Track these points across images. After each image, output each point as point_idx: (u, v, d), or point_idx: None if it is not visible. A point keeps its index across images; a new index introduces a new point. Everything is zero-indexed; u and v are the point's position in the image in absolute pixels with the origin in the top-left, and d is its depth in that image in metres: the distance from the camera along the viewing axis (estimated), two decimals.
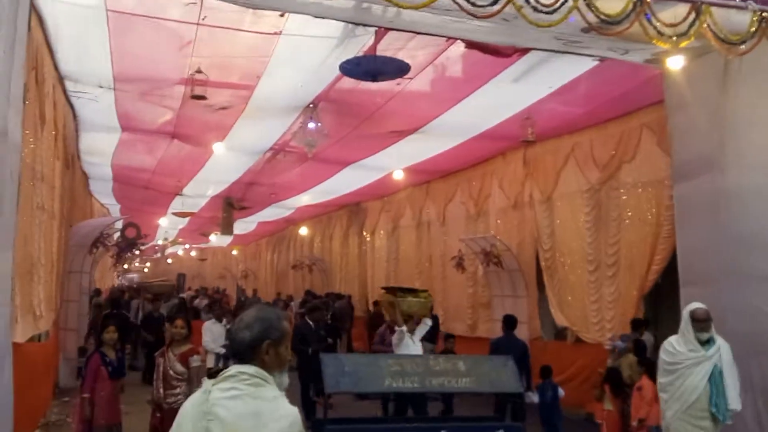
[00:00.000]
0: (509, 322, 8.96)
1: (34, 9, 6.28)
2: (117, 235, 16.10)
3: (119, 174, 15.69)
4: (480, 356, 7.69)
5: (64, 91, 9.44)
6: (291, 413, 2.35)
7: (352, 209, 19.68)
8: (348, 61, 7.05)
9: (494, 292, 12.57)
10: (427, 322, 9.15)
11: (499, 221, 12.86)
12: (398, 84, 8.77)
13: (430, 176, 14.54)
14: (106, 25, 7.07)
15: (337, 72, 8.31)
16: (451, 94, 9.11)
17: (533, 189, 11.80)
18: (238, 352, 2.42)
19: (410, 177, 14.53)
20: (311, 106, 9.87)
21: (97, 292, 21.21)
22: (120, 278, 37.22)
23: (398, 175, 12.18)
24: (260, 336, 2.38)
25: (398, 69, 7.13)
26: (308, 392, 9.66)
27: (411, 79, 8.53)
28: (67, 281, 11.43)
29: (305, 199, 18.20)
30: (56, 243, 9.38)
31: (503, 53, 7.81)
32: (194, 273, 41.27)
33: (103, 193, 18.97)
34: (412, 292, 9.48)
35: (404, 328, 8.67)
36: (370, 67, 7.02)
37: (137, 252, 17.42)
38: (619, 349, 8.82)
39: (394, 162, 13.06)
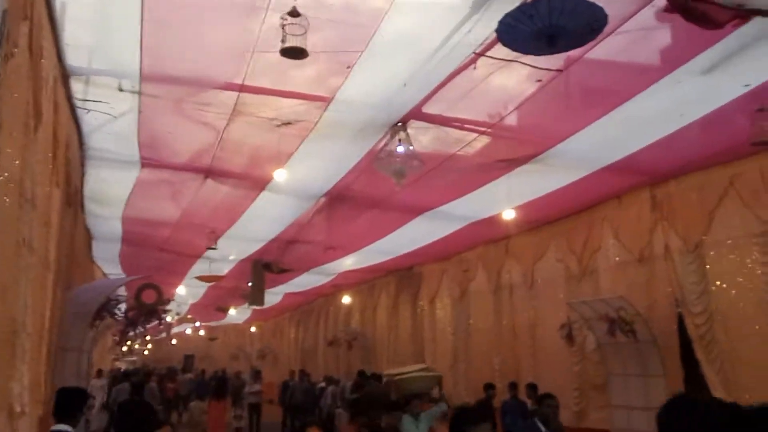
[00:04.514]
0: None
1: None
2: (122, 307, 13.08)
3: (131, 232, 13.11)
4: None
5: (69, 98, 6.92)
6: None
7: (402, 274, 16.90)
8: (513, 15, 4.45)
9: (613, 370, 9.74)
10: None
11: (615, 280, 10.15)
12: (538, 81, 6.30)
13: (512, 229, 11.82)
14: None
15: (460, 60, 5.90)
16: (604, 97, 6.61)
17: (669, 237, 9.16)
18: None
19: (485, 230, 11.90)
20: (399, 124, 7.38)
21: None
22: (118, 362, 33.86)
23: (509, 215, 9.50)
24: None
25: (588, 25, 4.54)
26: None
27: (561, 71, 6.07)
28: (62, 361, 8.53)
29: (349, 262, 15.47)
30: (50, 305, 6.60)
31: (715, 20, 5.35)
32: (202, 354, 37.98)
33: (107, 260, 16.31)
34: None
35: None
36: (547, 22, 4.43)
37: (157, 323, 14.44)
38: None
39: (478, 208, 10.45)
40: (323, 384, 17.05)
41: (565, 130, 7.31)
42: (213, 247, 11.63)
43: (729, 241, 8.37)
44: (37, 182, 5.29)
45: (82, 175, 9.39)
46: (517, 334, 12.37)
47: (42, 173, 5.64)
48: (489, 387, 11.00)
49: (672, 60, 5.86)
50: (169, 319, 30.41)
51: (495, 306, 13.03)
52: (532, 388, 10.76)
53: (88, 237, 13.54)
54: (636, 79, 6.17)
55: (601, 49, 5.51)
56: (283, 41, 4.71)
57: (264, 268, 14.63)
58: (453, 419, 3.49)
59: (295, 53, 4.74)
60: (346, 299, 20.30)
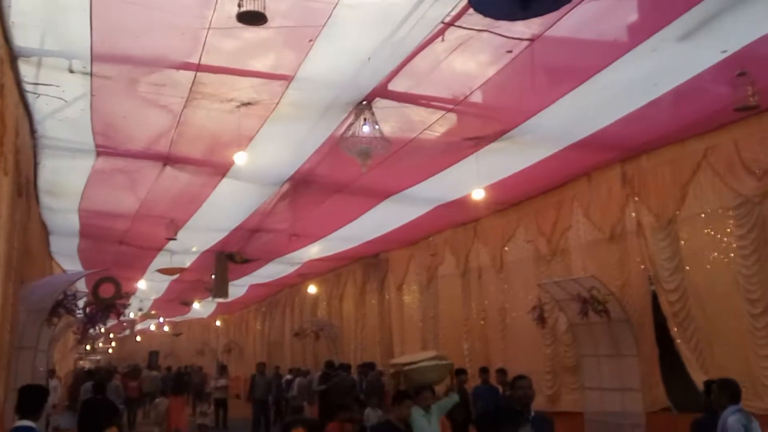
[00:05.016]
0: (729, 391, 5.71)
1: None
2: (83, 302, 12.53)
3: (89, 225, 12.60)
4: None
5: (18, 82, 6.52)
6: None
7: (368, 262, 16.67)
8: None
9: (584, 351, 9.67)
10: None
11: (586, 259, 10.04)
12: (508, 52, 6.12)
13: (480, 211, 11.68)
14: None
15: (427, 31, 5.67)
16: (576, 68, 6.43)
17: (641, 213, 9.06)
18: None
19: (452, 213, 11.76)
20: (364, 103, 7.16)
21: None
22: (82, 361, 33.07)
23: (478, 195, 9.26)
24: None
25: None
26: None
27: (532, 40, 5.90)
28: (16, 361, 8.11)
29: (314, 251, 15.20)
30: (0, 302, 6.25)
31: None
32: (167, 350, 37.32)
33: (66, 255, 15.77)
34: None
35: None
36: None
37: (118, 321, 13.95)
38: None
39: (445, 190, 10.27)
40: (289, 376, 16.76)
41: (534, 105, 7.10)
42: (173, 237, 11.23)
43: (703, 216, 8.28)
44: None
45: (35, 165, 8.95)
46: (487, 317, 12.23)
47: None
48: (460, 372, 10.78)
49: (647, 27, 5.65)
50: (132, 315, 29.78)
51: (464, 290, 12.87)
52: (501, 373, 10.63)
53: (45, 231, 13.02)
54: (609, 48, 5.95)
55: (574, 17, 5.29)
56: (239, 5, 4.42)
57: (227, 258, 14.29)
58: (482, 419, 3.12)
59: (253, 18, 4.44)
60: (312, 289, 19.98)
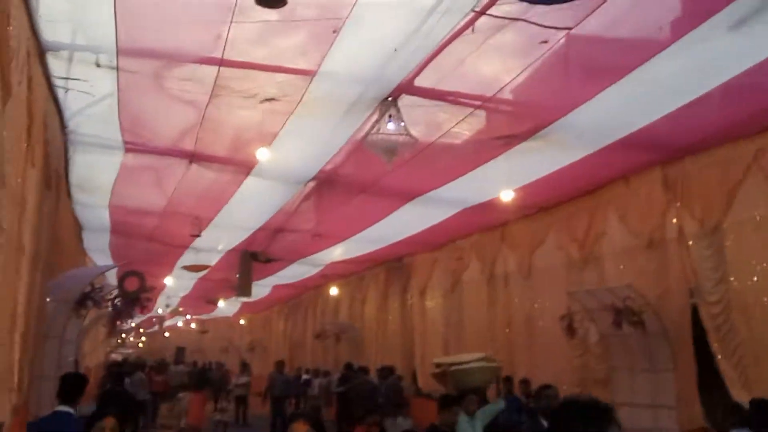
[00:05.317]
0: (738, 414, 5.46)
1: None
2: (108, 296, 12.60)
3: (118, 221, 12.67)
4: None
5: (48, 76, 6.53)
6: None
7: (391, 266, 16.42)
8: None
9: (616, 363, 9.18)
10: None
11: (621, 267, 9.54)
12: (543, 42, 5.82)
13: (508, 215, 11.38)
14: None
15: (456, 21, 5.41)
16: (617, 61, 5.96)
17: (683, 220, 8.51)
18: None
19: (479, 217, 11.51)
20: (389, 99, 7.00)
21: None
22: (113, 354, 33.54)
23: (507, 198, 9.01)
24: None
25: None
26: None
27: (570, 29, 5.58)
28: (42, 350, 8.18)
29: (337, 252, 15.09)
30: (25, 291, 6.25)
31: None
32: (194, 347, 37.75)
33: (98, 251, 15.94)
34: None
35: None
36: None
37: (143, 312, 14.05)
38: None
39: (472, 192, 9.97)
40: (307, 376, 16.74)
41: (570, 101, 6.63)
42: (197, 234, 11.22)
43: (751, 223, 7.70)
44: (6, 158, 4.93)
45: (66, 160, 9.00)
46: (513, 326, 11.80)
47: (14, 150, 5.28)
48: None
49: (695, 14, 5.19)
50: (160, 311, 30.11)
51: (489, 296, 12.48)
52: (524, 383, 10.34)
53: (78, 227, 13.14)
54: (652, 38, 5.50)
55: (615, 4, 4.93)
56: None
57: (251, 257, 14.30)
58: (559, 416, 2.45)
59: (273, 0, 4.33)
60: (334, 291, 19.89)
